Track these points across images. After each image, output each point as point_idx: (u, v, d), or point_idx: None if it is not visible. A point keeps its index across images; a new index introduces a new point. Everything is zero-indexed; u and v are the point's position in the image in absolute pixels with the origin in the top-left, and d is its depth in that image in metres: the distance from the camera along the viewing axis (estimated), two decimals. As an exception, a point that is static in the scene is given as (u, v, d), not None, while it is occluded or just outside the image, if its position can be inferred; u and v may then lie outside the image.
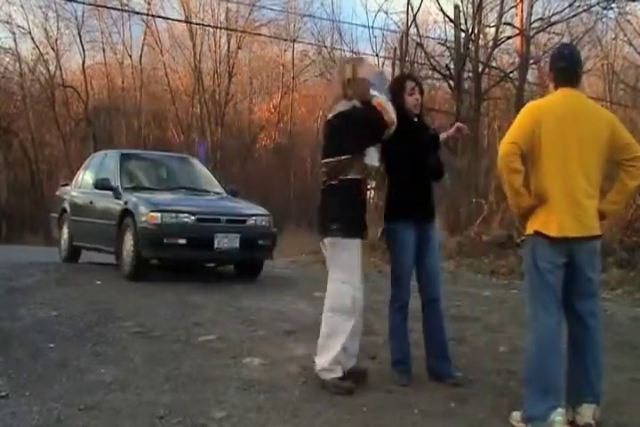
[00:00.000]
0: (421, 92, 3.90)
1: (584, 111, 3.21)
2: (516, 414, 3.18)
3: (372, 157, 3.64)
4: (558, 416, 3.01)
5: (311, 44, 23.32)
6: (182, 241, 6.89)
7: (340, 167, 3.58)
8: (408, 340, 3.87)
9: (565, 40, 16.25)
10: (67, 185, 9.57)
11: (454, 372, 3.87)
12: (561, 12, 15.11)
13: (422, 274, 3.86)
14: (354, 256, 3.59)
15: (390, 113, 3.59)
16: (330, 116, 3.69)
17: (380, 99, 3.62)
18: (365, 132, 3.59)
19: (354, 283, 3.57)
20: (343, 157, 3.57)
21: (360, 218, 3.66)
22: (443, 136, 3.97)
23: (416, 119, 3.86)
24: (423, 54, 15.61)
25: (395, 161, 3.80)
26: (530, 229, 3.19)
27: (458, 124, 4.06)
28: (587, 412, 3.12)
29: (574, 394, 3.17)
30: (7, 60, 27.40)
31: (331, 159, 3.62)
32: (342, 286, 3.57)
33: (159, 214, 6.88)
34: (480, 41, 15.51)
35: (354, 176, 3.59)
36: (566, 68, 3.25)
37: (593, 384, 3.17)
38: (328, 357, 3.55)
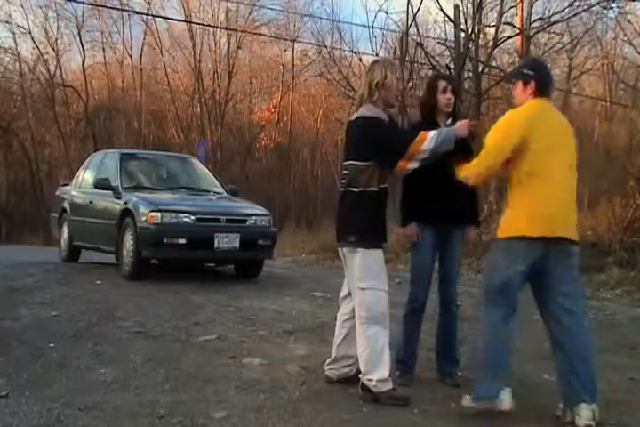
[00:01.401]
0: (454, 93, 3.83)
1: (562, 122, 3.39)
2: (468, 397, 3.28)
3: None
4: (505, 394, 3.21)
5: (311, 43, 23.24)
6: (182, 241, 6.89)
7: (359, 174, 3.45)
8: (417, 342, 3.87)
9: (565, 40, 16.29)
10: (66, 185, 9.58)
11: (457, 373, 3.89)
12: (561, 11, 15.07)
13: (440, 276, 3.89)
14: (377, 261, 3.47)
15: (422, 148, 3.39)
16: (353, 117, 3.57)
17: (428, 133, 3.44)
18: (380, 151, 3.44)
19: (383, 287, 3.45)
20: (364, 164, 3.45)
21: (379, 230, 3.52)
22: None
23: (449, 121, 3.80)
24: (423, 54, 15.58)
25: None
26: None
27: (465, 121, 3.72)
28: (584, 413, 3.13)
29: (569, 395, 3.21)
30: (7, 59, 27.49)
31: (351, 162, 3.49)
32: (376, 293, 3.42)
33: (159, 214, 6.88)
34: (480, 41, 15.47)
35: (375, 187, 3.46)
36: (551, 80, 3.44)
37: (585, 383, 3.18)
38: (382, 371, 3.40)
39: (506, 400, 3.22)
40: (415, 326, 3.85)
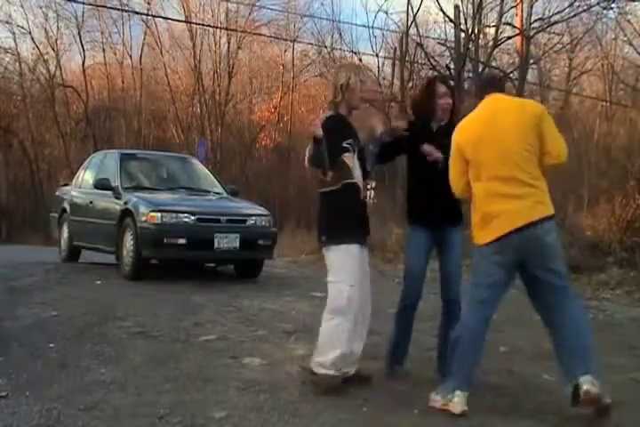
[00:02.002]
0: (452, 96, 3.84)
1: (490, 116, 3.54)
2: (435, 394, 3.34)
3: (354, 167, 3.59)
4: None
5: (311, 44, 23.28)
6: (182, 241, 6.90)
7: (321, 174, 3.57)
8: (409, 339, 3.90)
9: (565, 40, 16.27)
10: (67, 185, 9.58)
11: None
12: (561, 12, 15.09)
13: (441, 276, 3.90)
14: (348, 257, 3.55)
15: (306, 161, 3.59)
16: None
17: (348, 157, 3.57)
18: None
19: (348, 282, 3.52)
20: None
21: (350, 225, 3.58)
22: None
23: (443, 123, 3.81)
24: (423, 54, 15.61)
25: (410, 164, 3.87)
26: None
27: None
28: (584, 385, 3.14)
29: (569, 373, 3.24)
30: (7, 60, 27.42)
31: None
32: (336, 286, 3.56)
33: (159, 214, 6.89)
34: (480, 41, 15.52)
35: (338, 185, 3.55)
36: (479, 83, 3.81)
37: (583, 357, 3.21)
38: (326, 357, 3.51)
39: (457, 404, 3.23)
40: (407, 324, 3.87)
